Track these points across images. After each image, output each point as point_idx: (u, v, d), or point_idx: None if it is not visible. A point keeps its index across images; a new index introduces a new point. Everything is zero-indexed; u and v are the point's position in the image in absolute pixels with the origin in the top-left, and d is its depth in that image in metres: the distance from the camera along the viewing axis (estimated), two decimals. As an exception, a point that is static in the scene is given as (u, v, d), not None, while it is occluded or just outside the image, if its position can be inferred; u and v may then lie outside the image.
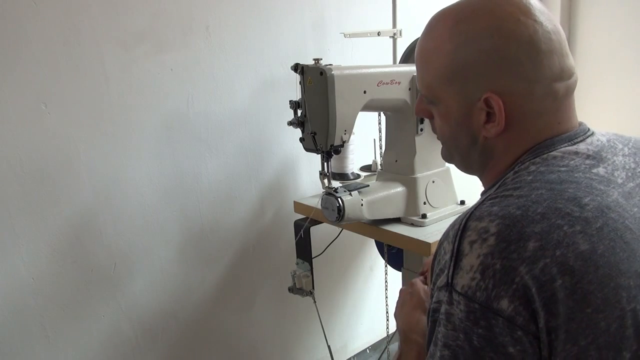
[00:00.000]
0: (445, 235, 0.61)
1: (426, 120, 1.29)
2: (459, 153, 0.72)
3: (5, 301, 1.28)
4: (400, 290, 0.87)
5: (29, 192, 1.27)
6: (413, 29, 1.56)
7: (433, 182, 1.33)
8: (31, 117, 1.24)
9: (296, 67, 1.18)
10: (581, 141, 0.64)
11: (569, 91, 0.64)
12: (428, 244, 1.20)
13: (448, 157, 0.75)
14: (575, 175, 0.59)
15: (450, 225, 0.61)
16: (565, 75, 0.63)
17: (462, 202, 1.39)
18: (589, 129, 0.67)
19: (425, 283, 0.85)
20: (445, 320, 0.57)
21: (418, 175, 1.31)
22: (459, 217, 0.61)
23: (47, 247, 1.32)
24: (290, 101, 1.21)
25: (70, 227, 1.35)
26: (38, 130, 1.25)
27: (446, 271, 0.57)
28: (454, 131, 0.69)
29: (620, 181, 0.61)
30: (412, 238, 1.23)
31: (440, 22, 0.66)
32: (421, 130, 1.30)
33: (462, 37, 0.62)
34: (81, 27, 1.27)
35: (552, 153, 0.62)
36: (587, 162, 0.62)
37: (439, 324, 0.58)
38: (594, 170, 0.61)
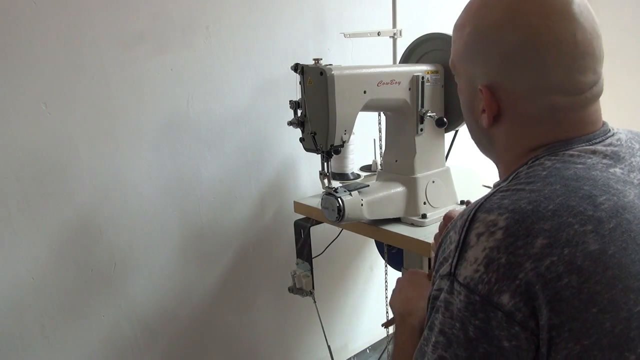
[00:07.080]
0: (453, 224, 0.60)
1: (426, 120, 1.29)
2: (470, 128, 0.73)
3: (5, 301, 1.28)
4: (398, 279, 0.88)
5: (29, 192, 1.27)
6: (413, 29, 1.56)
7: (433, 182, 1.33)
8: (31, 117, 1.24)
9: (296, 67, 1.17)
10: (600, 142, 0.62)
11: (575, 106, 0.61)
12: (428, 244, 1.19)
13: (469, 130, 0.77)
14: (593, 173, 0.58)
15: (459, 214, 0.61)
16: (572, 90, 0.60)
17: (462, 202, 1.38)
18: (609, 130, 0.65)
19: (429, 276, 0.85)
20: (444, 308, 0.57)
21: (418, 175, 1.31)
22: (468, 207, 0.60)
23: (47, 247, 1.32)
24: (290, 101, 1.21)
25: (70, 227, 1.35)
26: (38, 130, 1.25)
27: (450, 260, 0.57)
28: (465, 106, 0.71)
29: (636, 182, 0.61)
30: (412, 238, 1.23)
31: (469, 3, 0.67)
32: (421, 130, 1.30)
33: (479, 22, 0.63)
34: (81, 27, 1.27)
35: (568, 152, 0.61)
36: (605, 161, 0.61)
37: (437, 310, 0.58)
38: (611, 170, 0.60)
